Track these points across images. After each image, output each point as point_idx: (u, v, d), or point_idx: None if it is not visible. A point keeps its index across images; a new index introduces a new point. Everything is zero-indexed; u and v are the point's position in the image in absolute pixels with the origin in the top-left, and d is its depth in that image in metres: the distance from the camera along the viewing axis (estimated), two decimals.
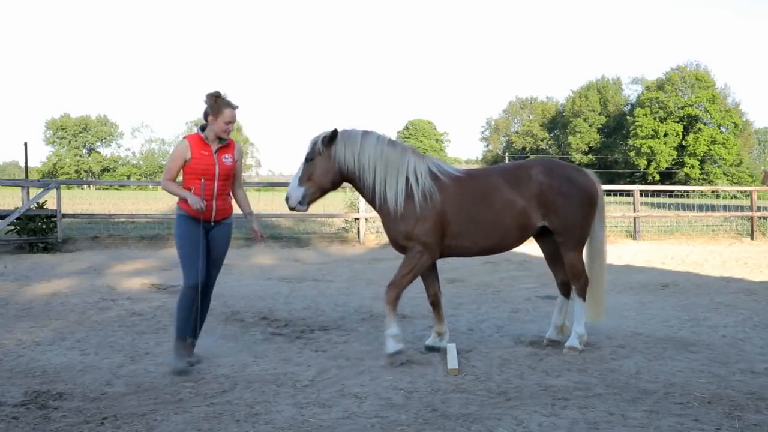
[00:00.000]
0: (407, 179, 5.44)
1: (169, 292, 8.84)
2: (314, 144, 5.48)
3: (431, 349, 5.73)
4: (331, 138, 5.43)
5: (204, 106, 5.23)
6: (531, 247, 6.21)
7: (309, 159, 5.47)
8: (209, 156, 5.21)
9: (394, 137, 5.86)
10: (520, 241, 5.74)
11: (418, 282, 5.79)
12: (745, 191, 23.22)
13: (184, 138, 5.32)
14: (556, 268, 6.05)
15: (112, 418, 4.10)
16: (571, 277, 5.80)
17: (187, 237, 5.22)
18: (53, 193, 14.39)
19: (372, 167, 5.44)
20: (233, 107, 5.23)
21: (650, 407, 4.27)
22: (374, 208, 5.65)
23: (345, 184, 5.75)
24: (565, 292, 6.00)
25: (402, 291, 5.44)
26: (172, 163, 5.22)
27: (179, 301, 5.23)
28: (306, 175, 5.46)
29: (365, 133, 5.56)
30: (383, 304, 5.46)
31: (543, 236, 5.90)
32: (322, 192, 5.58)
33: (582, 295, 5.78)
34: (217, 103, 5.17)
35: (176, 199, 5.30)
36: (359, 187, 5.60)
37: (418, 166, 5.50)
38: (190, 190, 5.20)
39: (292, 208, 5.50)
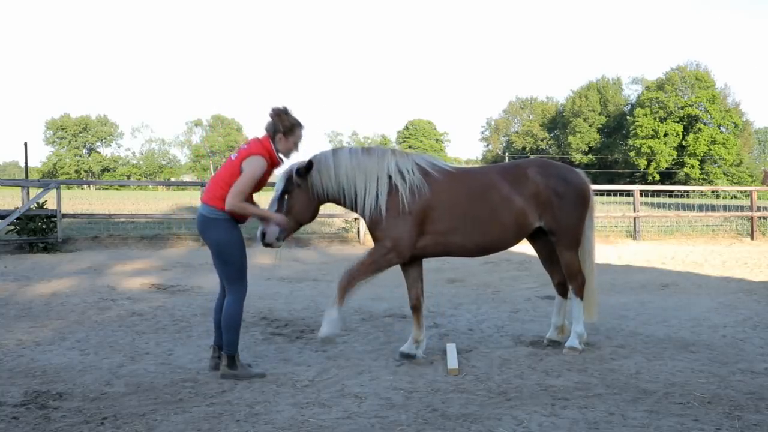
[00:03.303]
0: (390, 178, 5.25)
1: (169, 292, 8.84)
2: (289, 176, 5.13)
3: (406, 356, 5.43)
4: (308, 168, 5.12)
5: (268, 121, 4.97)
6: (531, 247, 6.20)
7: (287, 191, 5.13)
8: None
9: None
10: (516, 240, 5.67)
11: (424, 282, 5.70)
12: (745, 191, 23.23)
13: (264, 158, 4.86)
14: (552, 268, 6.04)
15: (112, 418, 4.10)
16: (567, 276, 5.80)
17: (241, 245, 4.95)
18: (53, 193, 14.40)
19: (352, 181, 5.20)
20: (302, 126, 5.02)
21: (650, 407, 4.27)
22: (364, 219, 5.40)
23: None
24: (563, 293, 6.00)
25: (356, 282, 5.21)
26: (250, 184, 4.81)
27: (234, 317, 4.94)
28: (284, 210, 5.12)
29: (335, 152, 5.33)
30: (335, 287, 5.26)
31: (538, 237, 5.86)
32: (300, 226, 5.28)
33: (579, 294, 5.77)
34: (288, 121, 4.92)
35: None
36: (344, 204, 5.34)
37: (401, 163, 5.31)
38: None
39: (267, 245, 5.09)
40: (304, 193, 5.17)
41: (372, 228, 5.34)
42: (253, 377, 4.93)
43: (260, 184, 4.94)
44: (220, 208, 4.83)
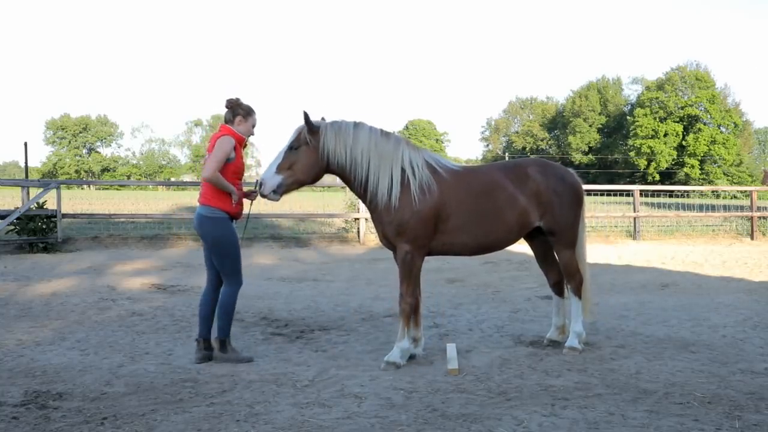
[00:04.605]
0: (403, 170, 5.27)
1: (169, 292, 8.84)
2: (300, 132, 5.24)
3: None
4: (313, 128, 5.18)
5: (225, 111, 5.49)
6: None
7: (294, 147, 5.21)
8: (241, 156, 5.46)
9: (399, 136, 5.71)
10: (516, 239, 5.69)
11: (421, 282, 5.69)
12: (745, 191, 23.23)
13: (230, 136, 5.29)
14: (548, 268, 6.05)
15: (112, 418, 4.10)
16: (566, 276, 5.79)
17: (234, 239, 5.30)
18: (53, 193, 14.41)
19: (366, 160, 5.22)
20: (255, 111, 5.53)
21: (650, 407, 4.27)
22: (364, 202, 5.45)
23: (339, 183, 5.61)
24: (559, 292, 6.00)
25: (412, 300, 5.33)
26: (223, 157, 5.19)
27: (230, 304, 5.35)
28: (287, 164, 5.19)
29: (357, 125, 5.34)
30: (398, 318, 5.39)
31: (534, 237, 5.86)
32: (300, 185, 5.29)
33: (577, 293, 5.77)
34: (246, 105, 5.44)
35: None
36: (348, 180, 5.34)
37: (413, 157, 5.34)
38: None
39: (263, 196, 5.22)
40: (312, 152, 5.21)
41: (382, 220, 5.32)
42: (242, 361, 5.34)
43: (238, 165, 5.32)
44: (215, 206, 5.24)
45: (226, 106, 5.44)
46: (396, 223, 5.24)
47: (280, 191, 5.20)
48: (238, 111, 5.40)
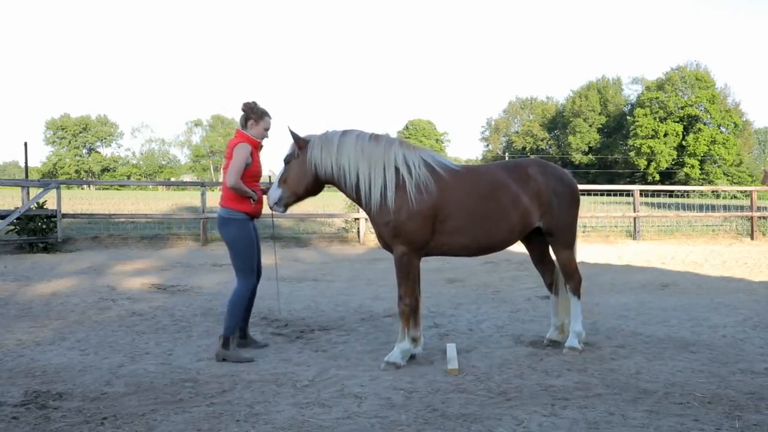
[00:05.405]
0: (397, 170, 5.23)
1: (169, 292, 8.84)
2: (292, 146, 5.42)
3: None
4: (300, 142, 5.34)
5: (241, 114, 5.66)
6: None
7: (286, 161, 5.42)
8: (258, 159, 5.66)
9: (393, 137, 5.72)
10: (516, 239, 5.66)
11: (421, 282, 5.68)
12: (745, 191, 23.23)
13: (246, 143, 5.49)
14: (544, 268, 6.04)
15: (112, 418, 4.10)
16: (564, 275, 5.78)
17: (248, 239, 5.53)
18: (53, 193, 14.42)
19: (354, 166, 5.23)
20: (270, 115, 5.69)
21: (650, 407, 4.27)
22: (362, 207, 5.44)
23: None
24: (556, 291, 5.99)
25: (411, 300, 5.31)
26: (241, 165, 5.41)
27: (237, 303, 5.50)
28: (284, 178, 5.41)
29: (344, 133, 5.36)
30: (398, 319, 5.39)
31: (530, 238, 5.84)
32: (297, 197, 5.43)
33: (577, 293, 5.76)
34: (259, 109, 5.62)
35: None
36: (340, 187, 5.39)
37: (408, 156, 5.28)
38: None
39: (270, 208, 5.48)
40: (300, 164, 5.37)
41: (378, 222, 5.30)
42: (242, 361, 5.35)
43: (255, 168, 5.56)
44: (233, 208, 5.48)
45: (242, 109, 5.61)
46: (392, 224, 5.20)
47: (282, 204, 5.41)
48: (250, 115, 5.59)
